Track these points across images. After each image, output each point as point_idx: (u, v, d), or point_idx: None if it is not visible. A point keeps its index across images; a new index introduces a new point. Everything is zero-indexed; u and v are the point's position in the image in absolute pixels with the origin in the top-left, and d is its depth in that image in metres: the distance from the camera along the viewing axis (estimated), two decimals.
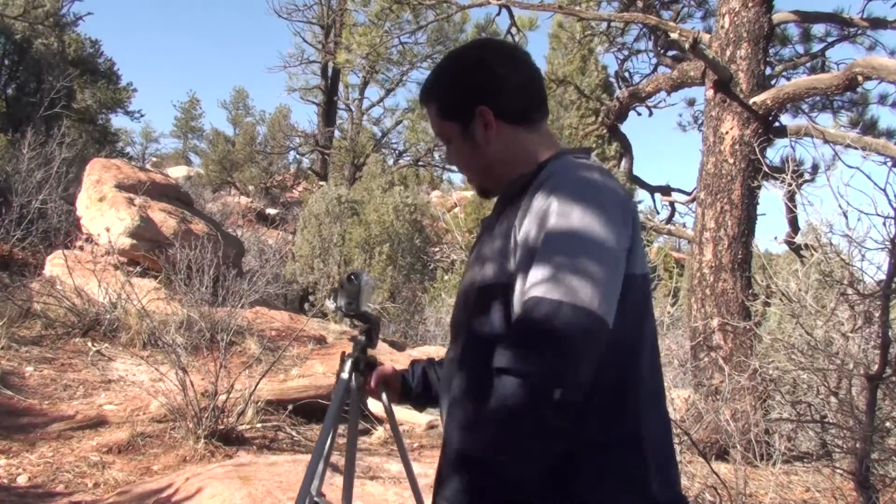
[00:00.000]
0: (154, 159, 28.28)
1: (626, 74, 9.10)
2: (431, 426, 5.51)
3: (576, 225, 1.00)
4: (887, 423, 3.38)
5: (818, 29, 7.39)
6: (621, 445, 1.05)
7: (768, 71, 6.31)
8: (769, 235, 11.89)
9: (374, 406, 5.63)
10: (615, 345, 1.01)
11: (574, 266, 0.97)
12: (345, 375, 1.54)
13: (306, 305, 10.73)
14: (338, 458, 4.22)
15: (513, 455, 0.95)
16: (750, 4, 5.70)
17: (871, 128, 7.46)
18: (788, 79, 7.13)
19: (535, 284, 0.98)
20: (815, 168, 6.96)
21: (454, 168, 22.90)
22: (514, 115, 1.19)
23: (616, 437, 1.05)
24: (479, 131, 1.19)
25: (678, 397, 4.92)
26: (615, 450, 1.05)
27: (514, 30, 8.32)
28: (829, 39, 7.43)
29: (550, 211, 1.02)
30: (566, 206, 1.01)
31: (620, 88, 8.46)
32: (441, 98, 1.24)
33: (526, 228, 1.04)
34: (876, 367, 3.10)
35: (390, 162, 20.32)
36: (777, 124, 6.12)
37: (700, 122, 7.94)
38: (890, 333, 3.03)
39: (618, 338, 1.01)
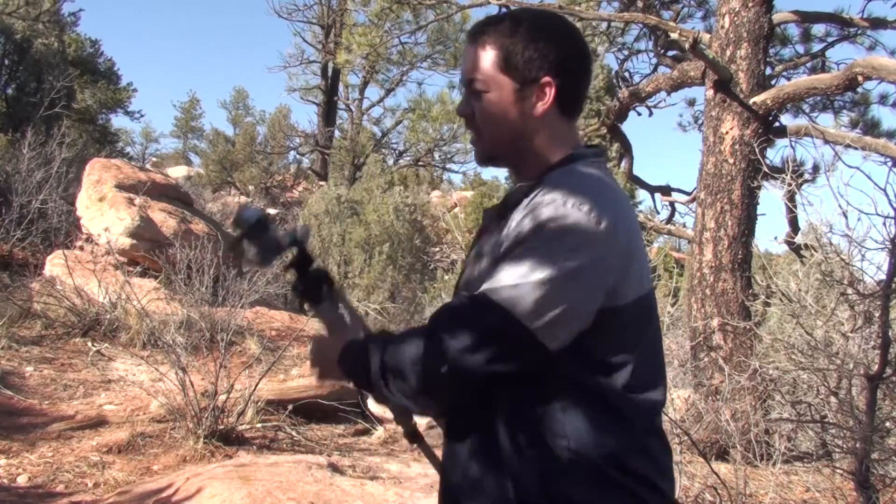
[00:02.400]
0: (154, 159, 28.27)
1: (627, 74, 9.10)
2: (431, 426, 5.51)
3: (544, 259, 0.99)
4: (887, 423, 3.38)
5: (818, 29, 7.39)
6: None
7: (768, 71, 6.31)
8: (769, 235, 11.89)
9: (374, 406, 5.63)
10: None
11: (532, 283, 0.99)
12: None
13: (306, 305, 10.71)
14: (338, 458, 4.22)
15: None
16: (750, 4, 5.70)
17: (871, 128, 7.47)
18: (788, 79, 7.13)
19: (492, 281, 1.02)
20: (815, 168, 6.97)
21: (453, 169, 22.93)
22: (567, 103, 1.14)
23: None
24: (533, 101, 1.11)
25: (678, 397, 4.92)
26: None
27: None
28: (830, 39, 7.43)
29: (531, 213, 1.02)
30: (546, 209, 1.01)
31: (621, 88, 8.46)
32: (511, 47, 1.11)
33: (508, 233, 1.05)
34: (876, 367, 3.10)
35: (390, 162, 20.32)
36: (777, 124, 6.12)
37: (700, 122, 7.94)
38: (890, 333, 3.04)
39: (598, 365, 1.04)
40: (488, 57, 1.12)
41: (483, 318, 1.01)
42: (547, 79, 1.10)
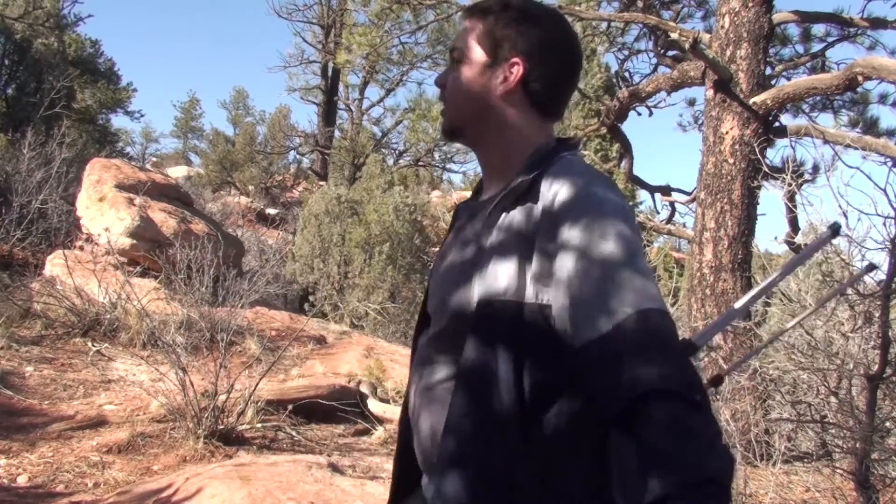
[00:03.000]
0: (154, 159, 28.26)
1: (627, 74, 9.11)
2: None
3: (618, 247, 0.94)
4: (887, 423, 3.38)
5: (818, 29, 7.40)
6: None
7: (768, 71, 6.32)
8: (769, 235, 11.89)
9: (374, 406, 5.62)
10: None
11: (638, 279, 0.93)
12: None
13: (306, 305, 10.73)
14: (338, 458, 4.22)
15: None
16: (750, 4, 5.70)
17: (871, 127, 7.47)
18: (788, 79, 7.14)
19: (616, 302, 0.91)
20: (815, 168, 6.97)
21: (453, 169, 22.92)
22: (538, 93, 1.11)
23: None
24: (499, 79, 1.10)
25: None
26: None
27: None
28: (829, 39, 7.43)
29: (589, 241, 0.95)
30: (603, 230, 0.95)
31: (621, 88, 8.46)
32: (493, 22, 1.11)
33: (569, 265, 0.96)
34: (876, 367, 3.10)
35: (390, 162, 20.31)
36: (777, 124, 6.12)
37: (700, 122, 7.95)
38: (890, 333, 3.03)
39: None
40: (472, 28, 1.13)
41: (670, 336, 0.90)
42: (515, 59, 1.09)
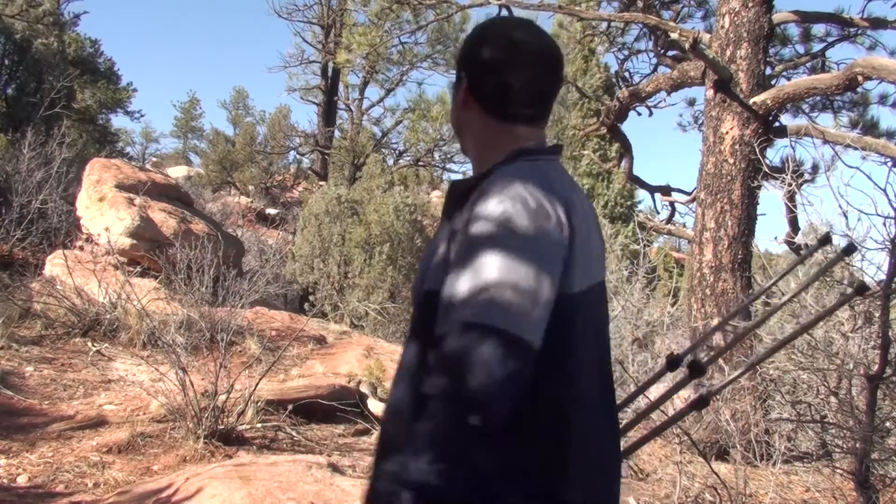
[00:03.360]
0: (154, 159, 28.26)
1: (627, 74, 9.11)
2: None
3: (490, 244, 1.00)
4: (887, 423, 3.38)
5: (818, 29, 7.40)
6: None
7: (768, 71, 6.31)
8: (769, 235, 11.89)
9: (374, 406, 5.62)
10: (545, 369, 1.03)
11: (492, 294, 0.97)
12: None
13: (306, 305, 10.72)
14: (338, 458, 4.22)
15: (441, 480, 0.93)
16: (750, 4, 5.70)
17: (871, 128, 7.46)
18: (788, 79, 7.13)
19: (455, 308, 0.98)
20: (815, 168, 6.97)
21: (453, 169, 22.95)
22: (487, 101, 1.18)
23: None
24: (459, 95, 1.22)
25: (678, 397, 4.92)
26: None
27: None
28: (830, 39, 7.43)
29: (470, 237, 1.02)
30: (488, 225, 1.02)
31: (621, 88, 8.46)
32: (457, 55, 1.27)
33: (454, 247, 1.06)
34: (876, 367, 3.10)
35: (390, 162, 20.29)
36: (777, 124, 6.12)
37: (700, 122, 7.95)
38: (890, 333, 3.03)
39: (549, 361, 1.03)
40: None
41: (477, 345, 0.95)
42: (462, 76, 1.21)
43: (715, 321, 5.34)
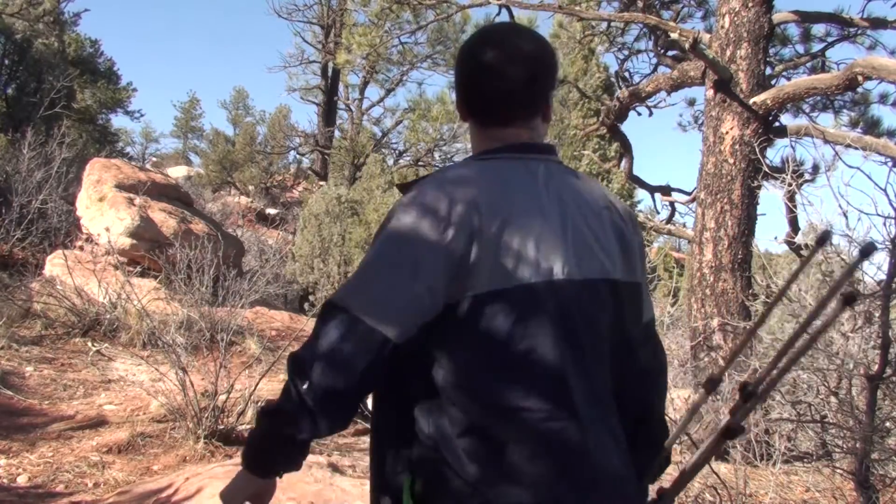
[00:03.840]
0: (154, 159, 28.25)
1: (627, 74, 9.11)
2: None
3: (375, 247, 1.12)
4: (887, 423, 3.38)
5: (818, 29, 7.40)
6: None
7: (768, 71, 6.31)
8: (769, 235, 11.88)
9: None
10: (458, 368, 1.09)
11: (354, 279, 1.11)
12: None
13: (306, 305, 10.72)
14: (338, 458, 4.22)
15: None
16: (750, 4, 5.70)
17: (871, 127, 7.47)
18: (788, 79, 7.14)
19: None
20: (815, 168, 6.97)
21: None
22: (467, 106, 1.25)
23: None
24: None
25: (678, 397, 4.92)
26: None
27: None
28: (830, 39, 7.43)
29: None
30: (377, 235, 1.14)
31: (621, 88, 8.46)
32: None
33: None
34: (876, 367, 3.10)
35: (390, 162, 20.29)
36: (777, 124, 6.12)
37: (700, 122, 7.95)
38: (890, 333, 3.03)
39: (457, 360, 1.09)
40: None
41: (326, 322, 1.08)
42: (455, 87, 1.28)
43: (715, 322, 5.34)
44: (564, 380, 1.09)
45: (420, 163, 21.38)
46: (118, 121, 38.68)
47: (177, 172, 20.90)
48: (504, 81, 1.19)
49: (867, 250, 1.13)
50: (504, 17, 7.98)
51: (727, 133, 5.66)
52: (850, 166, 3.36)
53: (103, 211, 8.29)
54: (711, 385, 1.32)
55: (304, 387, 1.05)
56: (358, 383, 1.06)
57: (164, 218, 8.45)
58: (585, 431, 1.09)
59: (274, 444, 1.10)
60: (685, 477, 1.26)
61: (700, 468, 1.30)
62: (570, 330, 1.10)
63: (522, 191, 1.13)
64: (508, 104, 1.21)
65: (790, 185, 4.41)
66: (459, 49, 1.29)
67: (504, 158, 1.18)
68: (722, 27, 5.85)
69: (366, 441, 5.06)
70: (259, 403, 4.80)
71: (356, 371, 1.05)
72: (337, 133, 22.81)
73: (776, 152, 9.45)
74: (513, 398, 1.07)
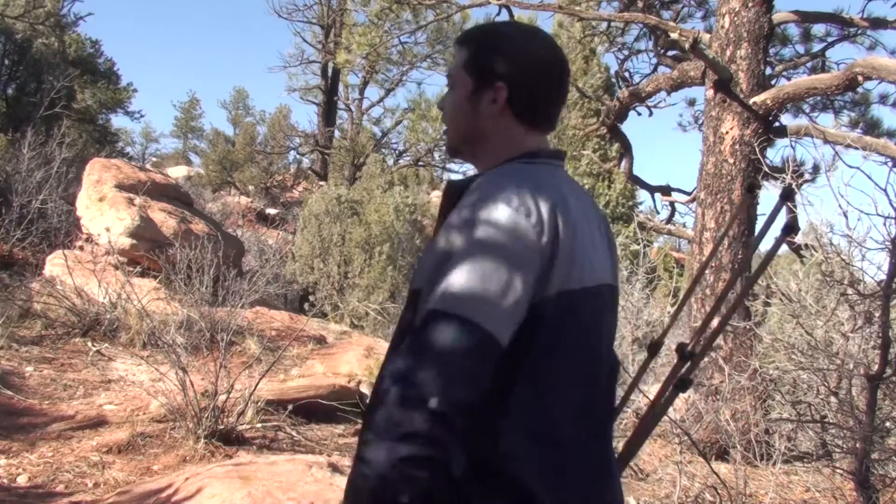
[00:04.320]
0: (154, 159, 28.26)
1: (627, 74, 9.11)
2: None
3: (456, 238, 1.01)
4: (887, 423, 3.38)
5: (818, 29, 7.40)
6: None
7: (768, 71, 6.32)
8: (769, 235, 11.86)
9: None
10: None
11: (459, 286, 0.97)
12: None
13: (306, 305, 10.72)
14: (338, 458, 4.22)
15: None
16: (750, 4, 5.70)
17: (871, 128, 7.47)
18: (788, 79, 7.14)
19: (427, 300, 0.99)
20: (815, 168, 6.97)
21: (453, 169, 22.95)
22: (523, 110, 1.20)
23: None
24: (486, 102, 1.19)
25: (678, 397, 4.91)
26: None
27: None
28: (830, 39, 7.43)
29: (449, 234, 1.03)
30: (461, 234, 1.02)
31: (621, 88, 8.46)
32: (476, 50, 1.22)
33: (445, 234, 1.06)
34: (876, 367, 3.10)
35: (390, 162, 20.29)
36: (777, 124, 6.12)
37: (700, 122, 7.95)
38: (890, 333, 3.03)
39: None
40: (459, 57, 1.24)
41: (441, 332, 0.95)
42: (499, 84, 1.19)
43: (715, 321, 5.34)
44: (601, 392, 1.15)
45: (420, 163, 21.39)
46: (118, 121, 38.70)
47: (177, 172, 20.91)
48: (558, 86, 1.23)
49: (787, 193, 1.17)
50: (504, 16, 7.98)
51: (727, 133, 5.66)
52: (850, 166, 3.36)
53: (103, 211, 8.29)
54: (652, 350, 1.42)
55: (437, 408, 0.90)
56: (481, 398, 0.95)
57: (164, 218, 8.45)
58: (608, 449, 1.15)
59: None
60: (644, 431, 1.35)
61: (657, 420, 1.38)
62: (608, 333, 1.18)
63: (572, 196, 1.15)
64: (555, 108, 1.23)
65: (790, 185, 4.41)
66: (495, 36, 1.22)
67: (548, 164, 1.19)
68: (722, 27, 5.85)
69: None
70: (259, 404, 4.80)
71: (482, 384, 0.95)
72: (337, 133, 22.82)
73: (776, 152, 9.46)
74: (573, 408, 1.07)
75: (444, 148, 21.07)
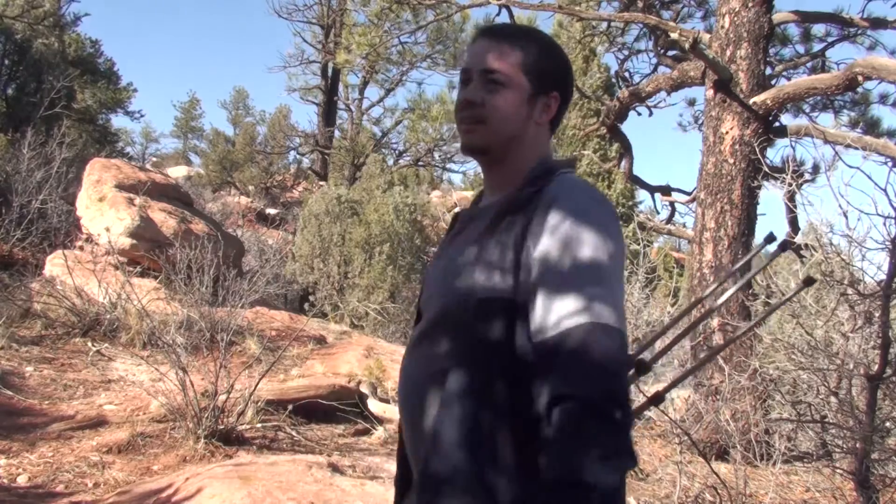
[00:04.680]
0: (154, 159, 28.25)
1: (627, 74, 9.11)
2: None
3: (592, 253, 1.04)
4: (887, 423, 3.38)
5: (818, 29, 7.41)
6: None
7: (768, 71, 6.32)
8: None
9: (374, 406, 5.62)
10: None
11: (597, 291, 1.01)
12: None
13: (306, 305, 10.72)
14: (338, 458, 4.22)
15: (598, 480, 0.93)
16: (750, 4, 5.70)
17: (871, 127, 7.47)
18: (788, 79, 7.14)
19: (565, 310, 1.00)
20: (815, 168, 6.97)
21: (453, 169, 22.95)
22: (557, 120, 1.25)
23: None
24: (539, 109, 1.20)
25: (678, 397, 4.93)
26: None
27: None
28: (830, 39, 7.44)
29: (569, 237, 1.05)
30: (583, 233, 1.05)
31: (621, 88, 8.46)
32: (536, 54, 1.20)
33: (544, 248, 1.05)
34: (876, 367, 3.10)
35: (390, 162, 20.28)
36: (777, 124, 6.12)
37: (700, 122, 7.95)
38: (890, 333, 3.03)
39: None
40: (514, 56, 1.19)
41: (616, 344, 1.00)
42: (555, 94, 1.22)
43: (715, 322, 5.34)
44: None
45: (420, 163, 21.39)
46: (118, 121, 38.68)
47: (177, 172, 20.91)
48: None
49: (783, 245, 1.27)
50: (504, 17, 7.98)
51: (727, 133, 5.66)
52: (850, 166, 3.36)
53: (103, 211, 8.29)
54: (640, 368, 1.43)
55: (621, 417, 0.96)
56: None
57: (164, 218, 8.45)
58: None
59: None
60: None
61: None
62: None
63: None
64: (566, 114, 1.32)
65: (790, 185, 4.42)
66: (547, 43, 1.24)
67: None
68: (722, 27, 5.85)
69: (366, 441, 5.06)
70: (259, 404, 4.80)
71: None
72: (337, 133, 22.82)
73: (776, 152, 9.47)
74: None
75: (443, 148, 21.10)
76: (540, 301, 1.03)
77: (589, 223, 1.05)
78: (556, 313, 1.00)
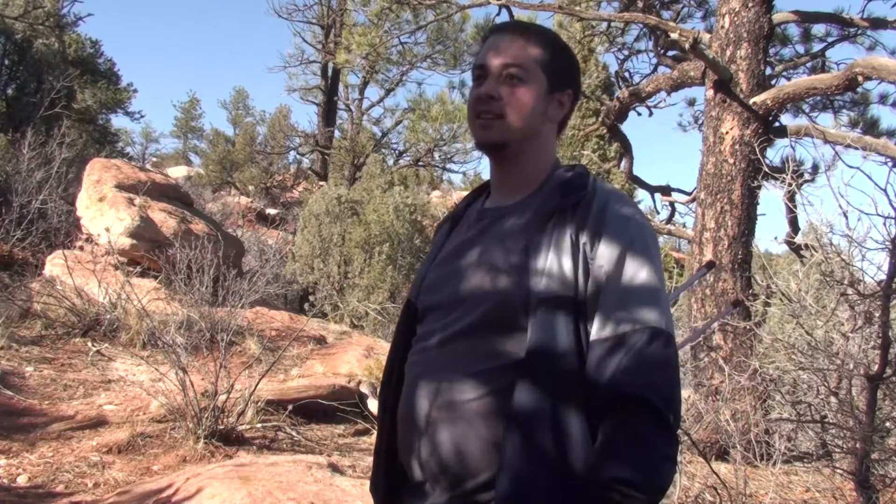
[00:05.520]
0: (154, 159, 28.25)
1: (627, 74, 9.12)
2: None
3: (650, 264, 1.09)
4: (887, 423, 3.38)
5: (818, 29, 7.41)
6: None
7: (768, 71, 6.32)
8: (769, 235, 11.88)
9: (374, 406, 5.62)
10: None
11: (657, 299, 1.07)
12: None
13: (306, 305, 10.72)
14: (338, 458, 4.22)
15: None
16: (750, 4, 5.70)
17: (871, 127, 7.47)
18: (788, 79, 7.14)
19: (630, 315, 1.05)
20: (815, 168, 6.98)
21: (453, 169, 22.91)
22: (566, 120, 1.26)
23: None
24: (554, 105, 1.22)
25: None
26: None
27: None
28: (830, 39, 7.44)
29: (628, 248, 1.09)
30: (640, 245, 1.10)
31: (621, 88, 8.46)
32: (553, 52, 1.22)
33: (604, 255, 1.09)
34: (876, 367, 3.10)
35: (390, 162, 20.27)
36: (777, 124, 6.12)
37: (700, 122, 7.95)
38: (890, 333, 3.03)
39: None
40: (533, 52, 1.20)
41: (676, 354, 1.07)
42: (569, 91, 1.24)
43: (715, 322, 5.34)
44: None
45: (420, 163, 21.38)
46: (118, 121, 38.74)
47: (177, 172, 20.91)
48: None
49: (711, 265, 1.41)
50: (504, 17, 7.98)
51: (727, 133, 5.66)
52: (850, 166, 3.35)
53: (103, 211, 8.28)
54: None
55: (673, 424, 1.03)
56: None
57: (164, 218, 8.45)
58: None
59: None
60: None
61: None
62: None
63: None
64: None
65: (790, 185, 4.41)
66: (560, 40, 1.26)
67: None
68: (722, 27, 5.85)
69: (366, 441, 5.06)
70: (259, 404, 4.80)
71: None
72: (337, 133, 22.81)
73: (776, 152, 9.46)
74: None
75: (443, 148, 21.09)
76: (604, 306, 1.06)
77: (643, 236, 1.12)
78: (620, 317, 1.04)
